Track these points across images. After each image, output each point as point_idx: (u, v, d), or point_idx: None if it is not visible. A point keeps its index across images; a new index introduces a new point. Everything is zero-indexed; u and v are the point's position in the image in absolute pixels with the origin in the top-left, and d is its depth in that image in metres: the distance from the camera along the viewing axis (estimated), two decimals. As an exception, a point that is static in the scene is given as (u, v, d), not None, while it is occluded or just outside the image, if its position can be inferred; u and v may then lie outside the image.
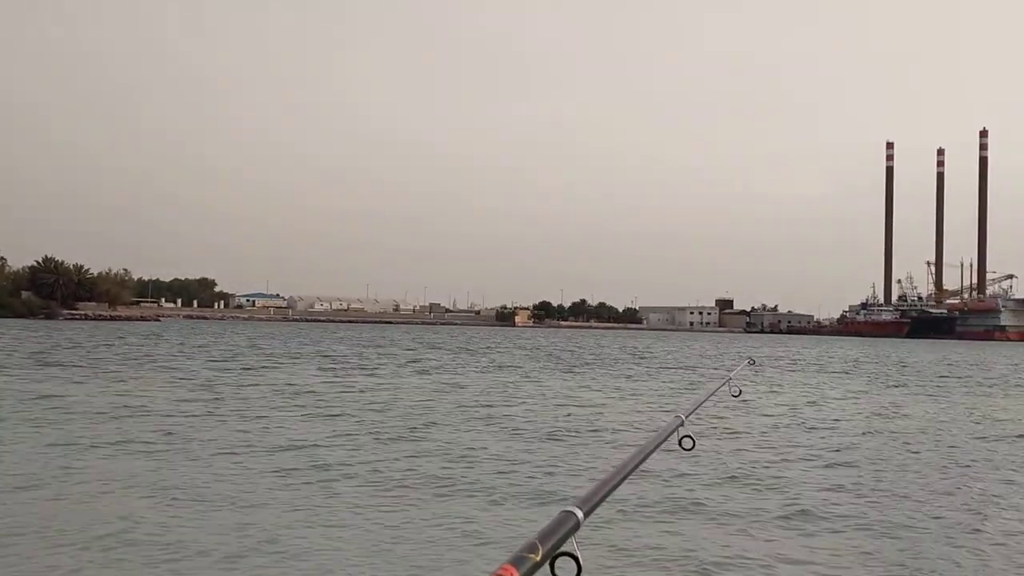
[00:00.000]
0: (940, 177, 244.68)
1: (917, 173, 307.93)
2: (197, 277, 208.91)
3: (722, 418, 20.94)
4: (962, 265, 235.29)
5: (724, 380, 5.32)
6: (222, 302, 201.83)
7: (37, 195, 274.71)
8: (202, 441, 16.13)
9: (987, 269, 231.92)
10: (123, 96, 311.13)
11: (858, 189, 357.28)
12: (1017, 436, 21.01)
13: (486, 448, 16.42)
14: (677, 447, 3.14)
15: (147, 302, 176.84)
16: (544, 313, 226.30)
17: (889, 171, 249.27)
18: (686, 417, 3.29)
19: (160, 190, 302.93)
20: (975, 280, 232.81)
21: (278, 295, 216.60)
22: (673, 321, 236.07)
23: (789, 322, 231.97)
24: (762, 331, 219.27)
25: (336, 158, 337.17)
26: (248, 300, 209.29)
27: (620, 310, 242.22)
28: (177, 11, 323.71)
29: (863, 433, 20.96)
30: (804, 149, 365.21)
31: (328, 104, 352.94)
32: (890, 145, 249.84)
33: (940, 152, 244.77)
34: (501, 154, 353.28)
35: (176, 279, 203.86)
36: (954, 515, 11.77)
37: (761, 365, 50.24)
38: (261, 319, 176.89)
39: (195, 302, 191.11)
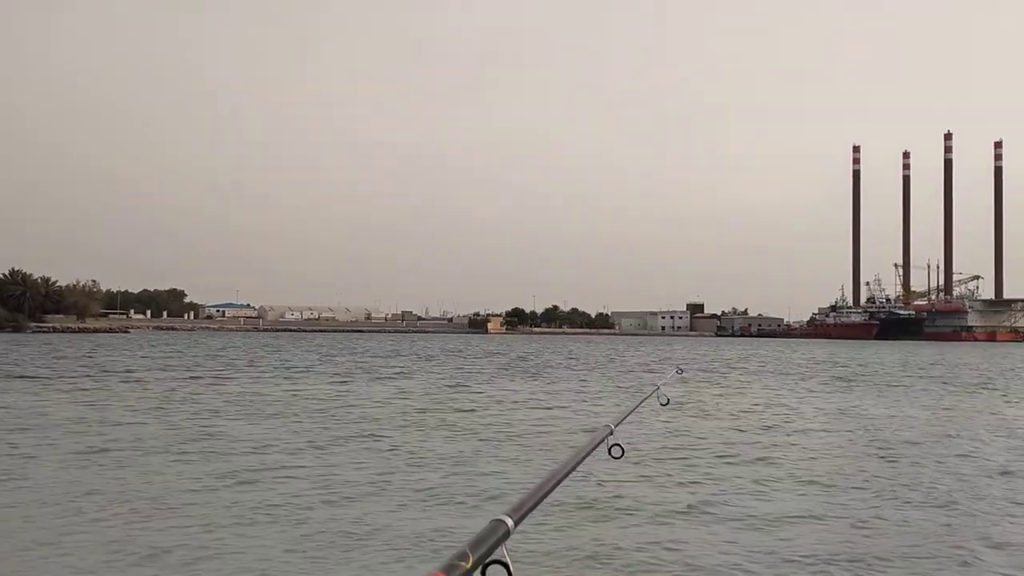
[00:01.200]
0: (906, 180, 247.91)
1: (884, 176, 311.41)
2: (166, 288, 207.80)
3: (654, 425, 21.05)
4: (929, 267, 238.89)
5: (653, 390, 5.46)
6: (192, 313, 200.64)
7: (3, 206, 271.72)
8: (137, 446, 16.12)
9: (953, 270, 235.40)
10: (92, 103, 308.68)
11: (826, 193, 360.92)
12: (945, 435, 21.47)
13: (423, 452, 16.51)
14: (607, 455, 3.22)
15: (116, 314, 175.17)
16: (517, 320, 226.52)
17: (856, 175, 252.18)
18: (615, 426, 3.34)
19: (129, 201, 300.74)
20: (942, 281, 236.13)
21: (248, 305, 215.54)
22: (645, 326, 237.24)
23: (759, 325, 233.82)
24: (733, 335, 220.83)
25: (307, 165, 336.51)
26: (218, 310, 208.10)
27: (592, 316, 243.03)
28: (150, 17, 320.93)
29: (796, 432, 21.26)
30: (772, 154, 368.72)
31: (300, 110, 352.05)
32: (856, 149, 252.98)
33: (906, 155, 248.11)
34: (475, 160, 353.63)
35: (145, 290, 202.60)
36: (863, 507, 12.03)
37: (716, 370, 50.57)
38: (231, 329, 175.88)
39: (164, 313, 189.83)
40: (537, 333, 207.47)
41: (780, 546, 10.13)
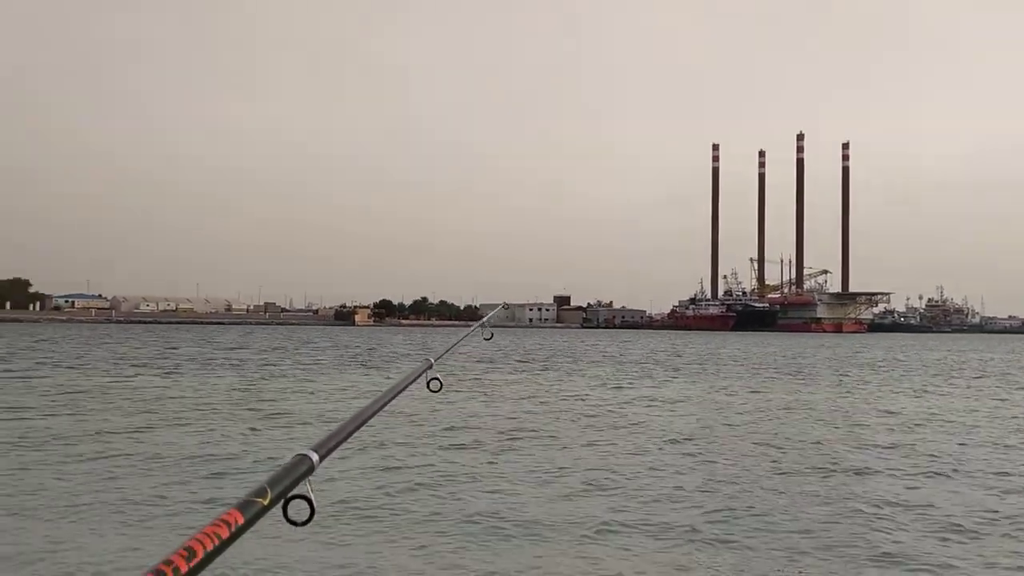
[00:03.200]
0: (761, 178, 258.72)
1: (741, 174, 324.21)
2: (9, 277, 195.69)
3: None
4: (782, 261, 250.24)
5: (477, 324, 5.45)
6: (38, 304, 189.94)
7: None
8: None
9: (804, 265, 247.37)
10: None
11: (687, 189, 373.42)
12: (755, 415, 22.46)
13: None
14: (425, 389, 3.15)
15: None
16: (385, 312, 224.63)
17: (715, 172, 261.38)
18: (435, 360, 3.26)
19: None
20: (794, 275, 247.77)
21: (100, 295, 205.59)
22: (513, 318, 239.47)
23: (623, 317, 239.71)
24: (598, 326, 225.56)
25: (166, 147, 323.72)
26: (67, 301, 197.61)
27: (461, 307, 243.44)
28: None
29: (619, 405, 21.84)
30: (636, 151, 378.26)
31: (150, 92, 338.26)
32: (716, 147, 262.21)
33: (761, 154, 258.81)
34: (345, 148, 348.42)
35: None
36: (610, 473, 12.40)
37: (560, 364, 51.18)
38: (81, 321, 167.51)
39: (7, 304, 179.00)
40: (406, 325, 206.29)
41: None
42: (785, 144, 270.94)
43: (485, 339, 5.54)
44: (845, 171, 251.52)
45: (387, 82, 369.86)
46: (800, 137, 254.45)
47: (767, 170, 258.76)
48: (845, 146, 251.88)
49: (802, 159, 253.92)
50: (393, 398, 2.55)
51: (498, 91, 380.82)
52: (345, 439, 2.01)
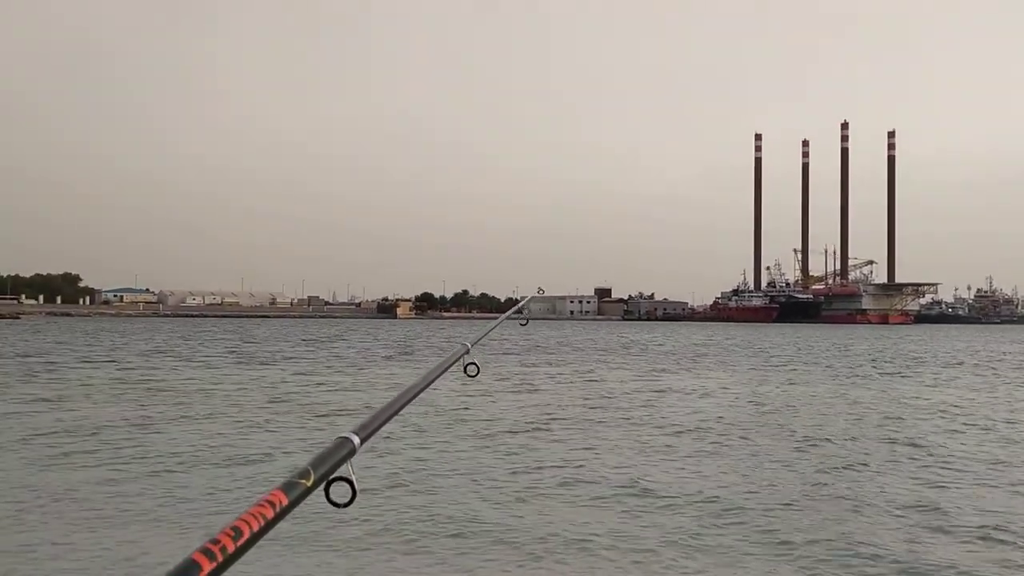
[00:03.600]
0: (805, 168, 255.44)
1: (784, 164, 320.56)
2: (60, 272, 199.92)
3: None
4: (826, 252, 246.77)
5: (513, 309, 5.46)
6: (88, 298, 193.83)
7: None
8: None
9: (849, 255, 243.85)
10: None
11: (730, 181, 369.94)
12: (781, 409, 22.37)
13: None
14: (462, 374, 3.20)
15: (6, 299, 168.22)
16: (426, 304, 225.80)
17: (758, 162, 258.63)
18: (472, 345, 3.30)
19: (18, 179, 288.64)
20: (838, 266, 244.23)
21: (148, 289, 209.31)
22: (554, 310, 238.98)
23: (664, 309, 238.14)
24: (639, 318, 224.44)
25: (207, 148, 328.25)
26: (116, 295, 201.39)
27: (502, 300, 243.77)
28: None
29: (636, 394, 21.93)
30: (677, 142, 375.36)
31: (197, 94, 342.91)
32: (759, 137, 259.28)
33: (805, 143, 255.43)
34: (381, 146, 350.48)
35: (37, 274, 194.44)
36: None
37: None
38: (130, 315, 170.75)
39: (58, 298, 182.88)
40: (447, 318, 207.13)
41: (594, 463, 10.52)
42: (829, 133, 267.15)
43: (521, 325, 5.62)
44: (891, 160, 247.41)
45: (446, 63, 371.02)
46: (844, 126, 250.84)
47: (811, 160, 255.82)
48: (891, 134, 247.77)
49: (847, 148, 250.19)
50: (431, 382, 2.60)
51: (546, 83, 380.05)
52: (385, 422, 2.04)
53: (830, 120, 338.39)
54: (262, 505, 1.41)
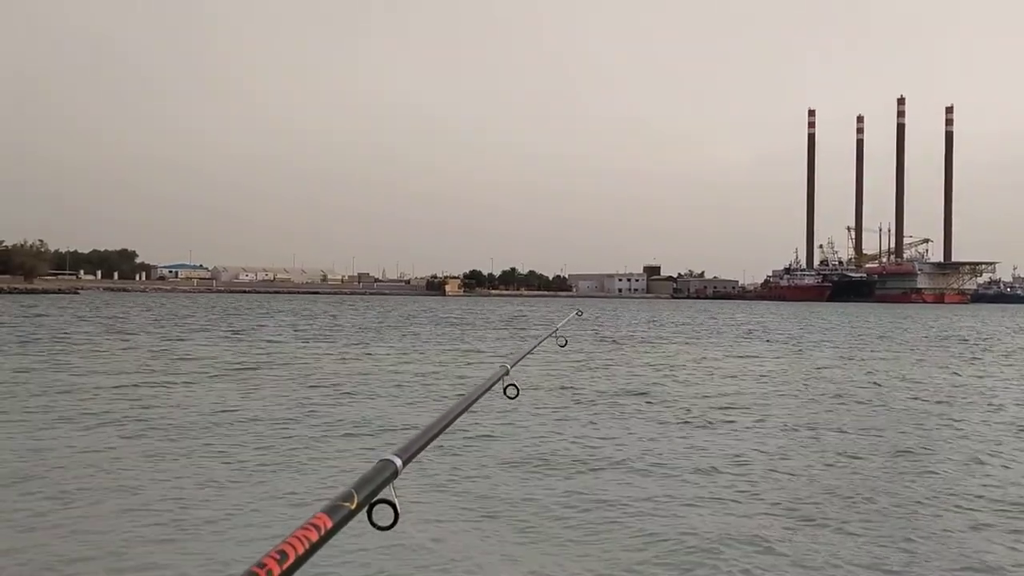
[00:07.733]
0: (860, 144, 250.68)
1: (838, 141, 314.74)
2: (117, 248, 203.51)
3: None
4: (880, 230, 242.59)
5: (551, 331, 5.27)
6: (143, 273, 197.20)
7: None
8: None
9: (904, 233, 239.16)
10: (39, 67, 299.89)
11: (781, 157, 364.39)
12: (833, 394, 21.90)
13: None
14: (502, 395, 3.16)
15: (65, 274, 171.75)
16: (475, 282, 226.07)
17: (811, 138, 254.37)
18: (511, 367, 3.29)
19: (76, 159, 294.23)
20: (893, 244, 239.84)
21: (201, 266, 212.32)
22: (602, 288, 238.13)
23: (715, 287, 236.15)
24: (688, 296, 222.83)
25: (268, 122, 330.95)
26: (171, 271, 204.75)
27: (550, 278, 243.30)
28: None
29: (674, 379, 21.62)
30: (729, 118, 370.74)
31: (238, 80, 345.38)
32: (812, 113, 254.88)
33: (860, 119, 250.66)
34: (445, 120, 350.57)
35: (95, 250, 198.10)
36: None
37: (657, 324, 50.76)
38: (184, 290, 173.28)
39: (115, 274, 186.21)
40: (495, 295, 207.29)
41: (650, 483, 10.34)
42: (885, 109, 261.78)
43: (560, 346, 5.42)
44: (949, 136, 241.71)
45: (494, 45, 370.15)
46: (900, 101, 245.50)
47: (865, 136, 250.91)
48: (949, 110, 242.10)
49: (902, 124, 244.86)
50: (471, 404, 2.58)
51: (597, 67, 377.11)
52: (427, 444, 2.04)
53: (886, 96, 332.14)
54: (307, 528, 1.41)
